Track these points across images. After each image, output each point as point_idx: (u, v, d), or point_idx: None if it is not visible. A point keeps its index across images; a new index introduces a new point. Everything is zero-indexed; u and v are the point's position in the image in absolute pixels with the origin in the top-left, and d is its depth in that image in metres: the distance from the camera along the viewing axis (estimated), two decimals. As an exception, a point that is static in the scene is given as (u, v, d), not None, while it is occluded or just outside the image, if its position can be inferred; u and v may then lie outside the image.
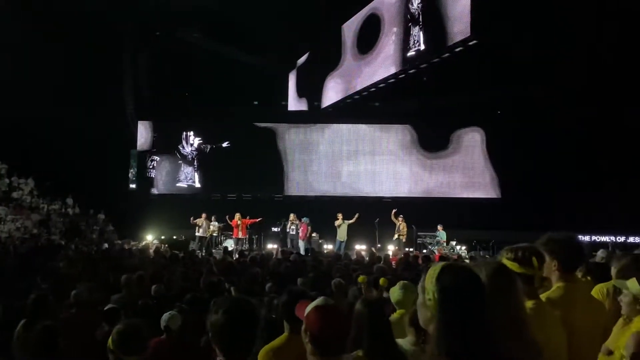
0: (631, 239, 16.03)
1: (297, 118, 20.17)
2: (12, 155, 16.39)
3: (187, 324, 3.72)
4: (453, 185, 18.74)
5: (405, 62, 14.61)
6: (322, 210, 15.97)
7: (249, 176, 18.55)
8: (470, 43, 12.12)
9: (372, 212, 15.40)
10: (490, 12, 11.81)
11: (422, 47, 13.81)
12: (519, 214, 15.46)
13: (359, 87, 17.02)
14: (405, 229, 14.62)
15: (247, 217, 15.25)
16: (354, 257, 10.39)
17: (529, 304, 2.18)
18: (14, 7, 14.48)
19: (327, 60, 18.79)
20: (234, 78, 18.95)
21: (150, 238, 15.99)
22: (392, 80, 15.49)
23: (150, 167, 19.47)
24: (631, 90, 13.98)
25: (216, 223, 15.65)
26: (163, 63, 18.97)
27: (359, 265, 8.22)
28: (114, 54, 17.67)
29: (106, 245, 14.53)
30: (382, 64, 15.69)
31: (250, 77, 19.24)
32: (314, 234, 15.68)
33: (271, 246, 15.20)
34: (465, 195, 18.53)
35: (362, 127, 19.35)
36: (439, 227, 14.91)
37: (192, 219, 15.27)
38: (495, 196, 18.38)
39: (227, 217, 15.22)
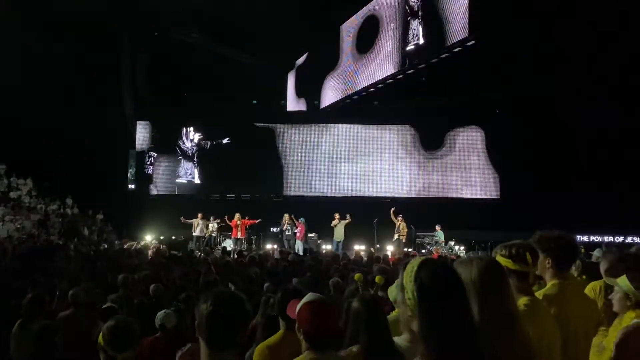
0: (629, 239, 16.04)
1: (296, 118, 20.18)
2: (10, 156, 16.39)
3: (184, 323, 3.73)
4: (452, 185, 18.74)
5: (404, 57, 14.60)
6: (321, 211, 15.97)
7: (248, 176, 18.57)
8: (469, 43, 12.12)
9: (370, 212, 15.41)
10: (489, 13, 11.81)
11: (422, 41, 13.79)
12: (517, 214, 15.46)
13: (358, 87, 17.03)
14: (406, 230, 14.62)
15: (246, 218, 15.26)
16: (352, 257, 10.40)
17: (523, 300, 2.18)
18: (13, 8, 14.49)
19: (325, 60, 18.81)
20: (232, 78, 18.97)
21: (149, 238, 15.97)
22: (391, 80, 15.50)
23: (148, 162, 19.44)
24: (631, 91, 14.00)
25: (215, 224, 15.66)
26: (162, 63, 18.99)
27: (358, 265, 8.23)
28: (112, 55, 17.69)
29: (105, 245, 14.53)
30: (381, 64, 15.70)
31: (249, 77, 19.26)
32: (312, 234, 15.71)
33: (270, 246, 15.20)
34: (464, 196, 18.55)
35: (361, 127, 19.36)
36: (437, 227, 14.92)
37: (182, 218, 15.32)
38: (494, 196, 18.39)
39: (225, 217, 15.23)
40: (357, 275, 5.27)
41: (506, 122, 17.74)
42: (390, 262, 8.68)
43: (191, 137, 19.44)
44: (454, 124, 18.65)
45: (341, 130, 19.44)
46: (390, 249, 14.23)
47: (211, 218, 15.67)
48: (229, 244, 14.83)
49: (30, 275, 6.87)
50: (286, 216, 15.10)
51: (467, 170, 18.67)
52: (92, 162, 16.54)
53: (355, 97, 17.51)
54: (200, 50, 18.96)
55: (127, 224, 17.40)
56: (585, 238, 15.96)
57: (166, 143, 19.43)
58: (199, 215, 15.45)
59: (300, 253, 12.54)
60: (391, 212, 14.76)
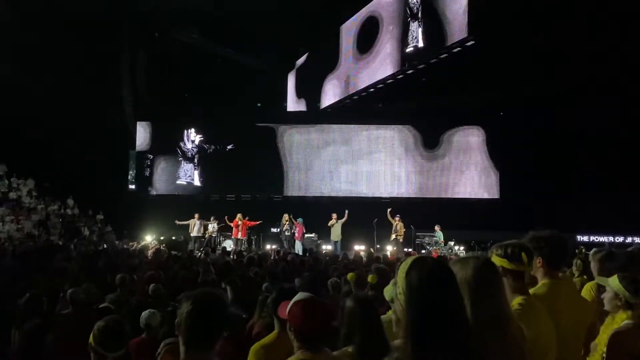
0: (629, 239, 16.01)
1: (296, 119, 20.18)
2: (11, 157, 16.41)
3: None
4: (452, 185, 18.72)
5: (403, 59, 14.61)
6: (321, 211, 15.98)
7: (248, 176, 18.57)
8: (468, 44, 12.12)
9: (371, 213, 15.41)
10: (488, 12, 11.81)
11: (421, 44, 13.81)
12: (518, 214, 15.43)
13: (357, 88, 17.04)
14: (403, 230, 14.62)
15: (247, 218, 15.28)
16: (352, 257, 10.39)
17: (519, 299, 2.18)
18: (13, 8, 14.51)
19: (326, 61, 18.83)
20: (233, 79, 18.99)
21: (149, 238, 16.00)
22: (391, 80, 15.51)
23: (145, 164, 19.44)
24: (632, 91, 13.97)
25: (215, 224, 15.67)
26: (162, 64, 19.00)
27: (357, 265, 8.22)
28: (113, 55, 17.70)
29: (105, 245, 14.54)
30: (381, 64, 15.71)
31: (250, 77, 19.27)
32: (312, 234, 15.72)
33: (269, 247, 15.21)
34: (464, 196, 18.52)
35: (361, 128, 19.33)
36: (437, 228, 14.91)
37: (177, 221, 15.41)
38: (494, 197, 18.36)
39: (226, 217, 15.25)
40: (350, 275, 5.26)
41: (507, 122, 17.72)
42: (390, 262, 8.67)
43: (192, 139, 19.43)
44: (454, 124, 18.61)
45: (341, 130, 19.42)
46: (389, 249, 14.23)
47: (211, 218, 15.69)
48: (229, 244, 14.85)
49: (30, 275, 6.87)
50: (286, 216, 15.12)
51: (467, 171, 18.64)
52: (93, 163, 16.56)
53: (356, 97, 17.52)
54: (201, 50, 18.98)
55: (127, 225, 17.42)
56: (585, 238, 15.94)
57: (166, 144, 19.42)
58: (196, 215, 15.47)
59: (300, 253, 12.53)
60: (387, 212, 14.77)
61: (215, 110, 19.50)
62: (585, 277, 4.52)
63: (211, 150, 19.35)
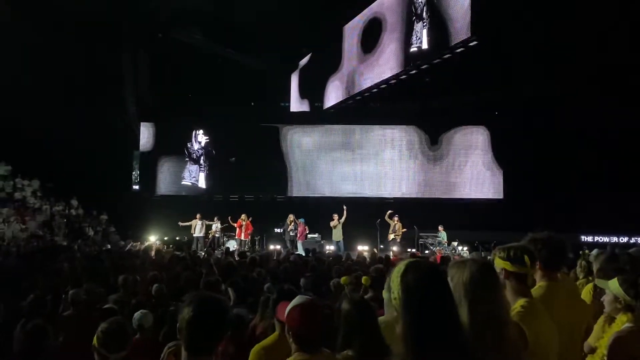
0: (633, 240, 15.93)
1: (300, 119, 20.18)
2: (15, 157, 16.47)
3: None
4: (456, 185, 18.67)
5: (407, 59, 14.60)
6: (324, 211, 15.96)
7: (251, 177, 18.56)
8: (471, 44, 12.10)
9: (374, 213, 15.39)
10: (490, 13, 11.78)
11: (425, 45, 13.80)
12: (521, 215, 15.37)
13: (361, 88, 17.02)
14: (402, 230, 14.64)
15: (250, 219, 15.31)
16: (355, 257, 10.39)
17: (522, 301, 2.18)
18: (14, 8, 14.57)
19: (329, 61, 18.81)
20: (236, 79, 19.00)
21: (153, 239, 16.05)
22: (394, 81, 15.49)
23: (148, 165, 19.48)
24: (632, 91, 13.91)
25: (218, 224, 15.70)
26: (165, 65, 19.02)
27: (360, 266, 8.22)
28: (116, 56, 17.74)
29: (109, 246, 14.58)
30: (385, 65, 15.69)
31: (252, 78, 19.27)
32: (315, 235, 15.72)
33: (273, 247, 15.23)
34: (468, 196, 18.47)
35: (365, 128, 19.30)
36: (440, 228, 14.90)
37: (180, 223, 15.49)
38: (498, 197, 18.29)
39: (229, 218, 15.28)
40: (343, 279, 5.25)
41: (511, 122, 17.64)
42: (392, 262, 8.66)
43: (199, 140, 19.43)
44: (458, 124, 18.57)
45: (345, 131, 19.40)
46: (393, 249, 14.23)
47: (215, 218, 15.72)
48: (232, 245, 14.87)
49: (35, 275, 6.90)
50: (291, 216, 15.13)
51: (471, 171, 18.58)
52: (97, 163, 16.61)
53: (359, 97, 17.50)
54: (203, 51, 18.99)
55: (131, 225, 17.46)
56: (589, 238, 15.88)
57: (170, 144, 19.45)
58: (198, 215, 15.50)
59: (302, 254, 12.54)
60: (386, 214, 14.79)
61: (218, 110, 19.50)
62: (590, 278, 4.50)
63: (214, 153, 19.37)
